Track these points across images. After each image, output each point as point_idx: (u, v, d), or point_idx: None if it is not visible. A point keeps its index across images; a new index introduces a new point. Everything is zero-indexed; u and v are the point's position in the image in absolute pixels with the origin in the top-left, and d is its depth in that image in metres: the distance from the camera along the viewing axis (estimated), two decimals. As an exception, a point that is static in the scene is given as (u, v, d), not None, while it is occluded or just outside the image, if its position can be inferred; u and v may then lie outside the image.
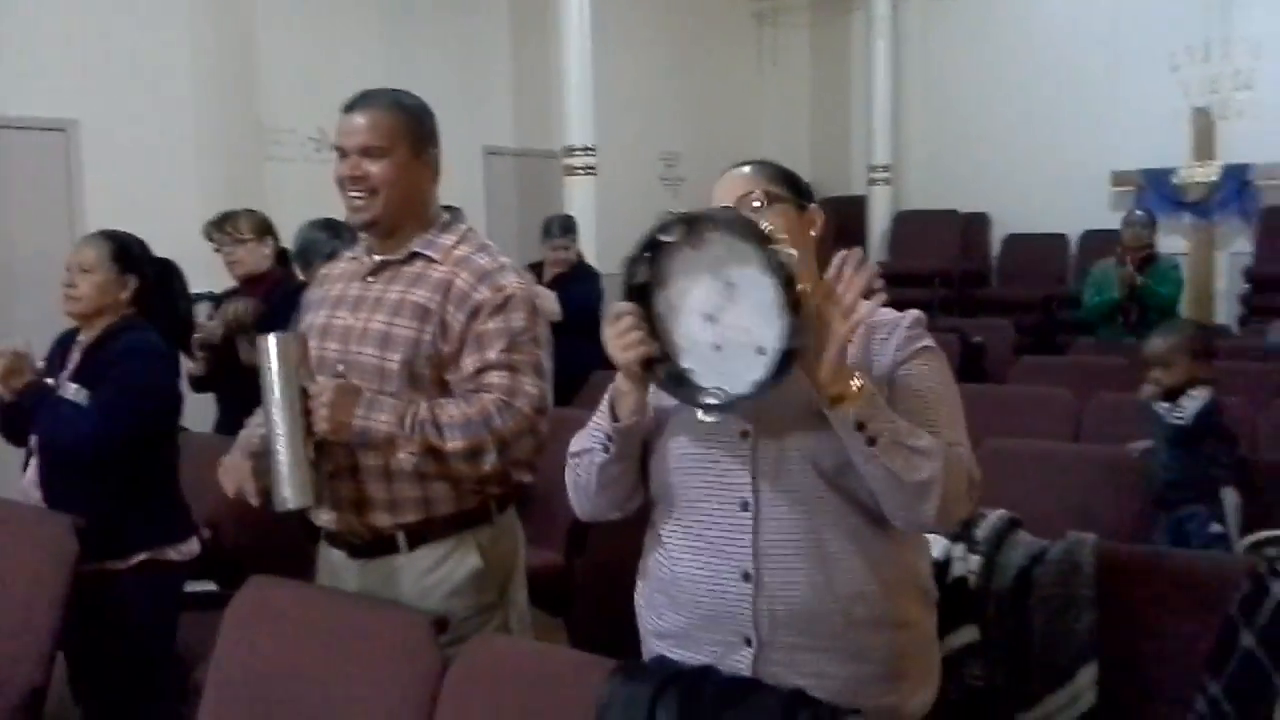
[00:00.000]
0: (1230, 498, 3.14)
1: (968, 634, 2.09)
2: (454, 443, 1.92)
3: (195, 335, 3.48)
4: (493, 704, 1.75)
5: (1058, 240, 8.83)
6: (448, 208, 2.16)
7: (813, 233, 1.69)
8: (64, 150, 5.71)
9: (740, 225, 1.46)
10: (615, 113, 7.74)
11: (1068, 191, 8.57)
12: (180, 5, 6.09)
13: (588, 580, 2.77)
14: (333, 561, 2.15)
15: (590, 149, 7.24)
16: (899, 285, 6.37)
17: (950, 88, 9.35)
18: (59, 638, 2.41)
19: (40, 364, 2.63)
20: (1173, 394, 3.27)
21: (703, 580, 1.61)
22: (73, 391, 2.54)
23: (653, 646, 1.72)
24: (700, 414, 1.50)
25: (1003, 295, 8.71)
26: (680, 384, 1.52)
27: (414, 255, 2.07)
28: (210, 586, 2.80)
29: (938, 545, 2.09)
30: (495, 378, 1.97)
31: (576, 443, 1.70)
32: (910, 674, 1.63)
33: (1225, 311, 8.17)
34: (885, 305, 1.53)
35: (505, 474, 2.02)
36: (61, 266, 2.65)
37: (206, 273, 3.90)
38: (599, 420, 1.65)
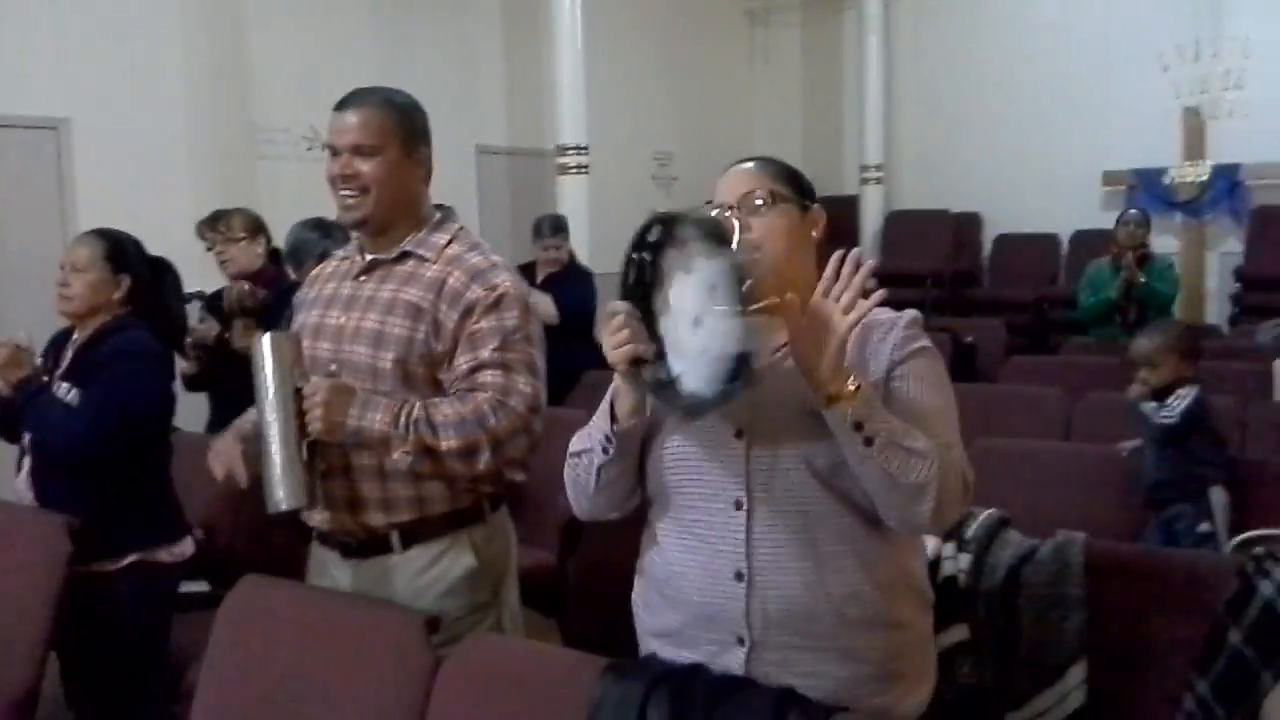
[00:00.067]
0: (1218, 497, 3.15)
1: (957, 633, 2.10)
2: (449, 442, 1.92)
3: (189, 335, 3.48)
4: (485, 703, 1.76)
5: (1049, 240, 8.85)
6: (439, 206, 2.15)
7: (815, 234, 1.68)
8: (55, 148, 5.67)
9: (706, 225, 1.43)
10: (607, 112, 7.72)
11: (1059, 191, 8.60)
12: (172, 4, 6.06)
13: (580, 580, 2.76)
14: (325, 562, 2.14)
15: (583, 148, 7.24)
16: (891, 285, 6.34)
17: (942, 87, 9.36)
18: (52, 638, 2.40)
19: (39, 360, 2.62)
20: (1160, 394, 3.28)
21: (696, 579, 1.61)
22: (64, 391, 2.53)
23: (650, 645, 1.72)
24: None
25: (994, 295, 8.73)
26: (661, 387, 1.49)
27: (406, 254, 2.06)
28: (203, 586, 2.79)
29: (928, 544, 2.09)
30: (489, 376, 1.96)
31: (576, 442, 1.70)
32: (905, 675, 1.63)
33: (1216, 311, 8.20)
34: (882, 305, 1.53)
35: (498, 473, 2.02)
36: (53, 265, 2.64)
37: (199, 272, 3.89)
38: (599, 421, 1.64)
